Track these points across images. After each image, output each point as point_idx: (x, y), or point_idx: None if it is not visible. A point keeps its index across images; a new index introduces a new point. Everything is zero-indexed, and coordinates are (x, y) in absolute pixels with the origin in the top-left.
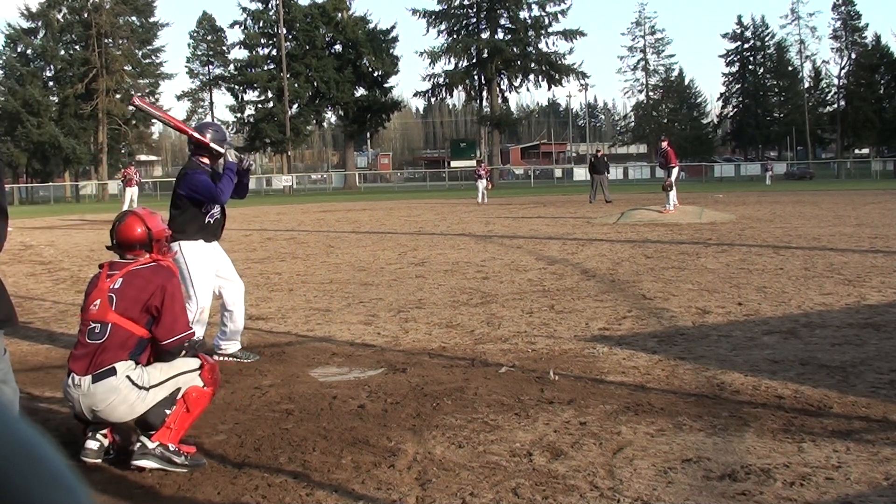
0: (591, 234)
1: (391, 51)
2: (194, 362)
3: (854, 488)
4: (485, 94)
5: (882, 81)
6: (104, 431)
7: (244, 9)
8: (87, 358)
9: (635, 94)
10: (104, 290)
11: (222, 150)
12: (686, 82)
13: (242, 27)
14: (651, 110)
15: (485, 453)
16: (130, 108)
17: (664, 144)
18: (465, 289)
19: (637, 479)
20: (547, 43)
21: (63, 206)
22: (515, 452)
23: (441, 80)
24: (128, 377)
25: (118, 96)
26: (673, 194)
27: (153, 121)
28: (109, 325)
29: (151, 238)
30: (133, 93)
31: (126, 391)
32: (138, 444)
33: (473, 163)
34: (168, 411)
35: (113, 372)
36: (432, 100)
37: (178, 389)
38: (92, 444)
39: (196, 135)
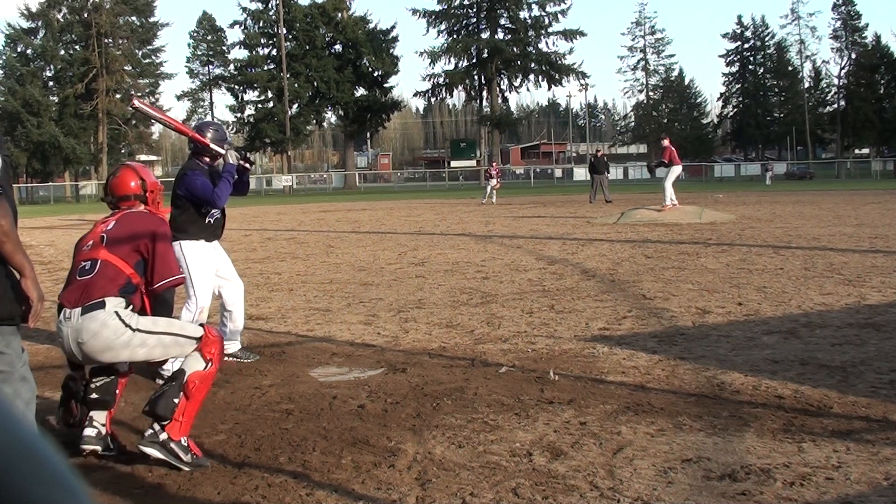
0: (591, 234)
1: (391, 51)
2: (196, 330)
3: (854, 488)
4: (485, 94)
5: (882, 81)
6: (102, 420)
7: (244, 9)
8: (76, 291)
9: (635, 94)
10: (97, 233)
11: (222, 152)
12: (686, 82)
13: (242, 27)
14: (651, 110)
15: (485, 453)
16: (130, 108)
17: (665, 142)
18: (465, 289)
19: (637, 479)
20: (547, 43)
21: (63, 206)
22: (515, 452)
23: (441, 80)
24: (116, 313)
25: (118, 96)
26: (671, 192)
27: (153, 121)
28: (99, 261)
29: (146, 189)
30: (132, 93)
31: (113, 326)
32: (149, 432)
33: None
34: (176, 400)
35: (102, 305)
36: (432, 100)
37: (182, 372)
38: (90, 431)
39: (196, 136)
